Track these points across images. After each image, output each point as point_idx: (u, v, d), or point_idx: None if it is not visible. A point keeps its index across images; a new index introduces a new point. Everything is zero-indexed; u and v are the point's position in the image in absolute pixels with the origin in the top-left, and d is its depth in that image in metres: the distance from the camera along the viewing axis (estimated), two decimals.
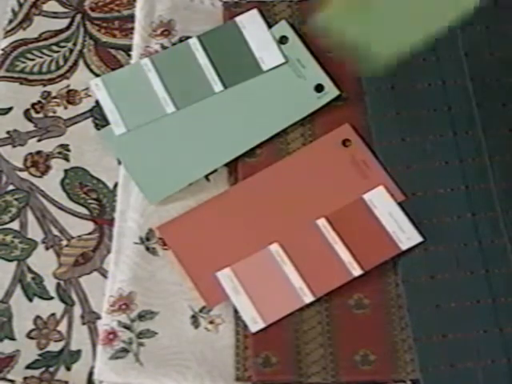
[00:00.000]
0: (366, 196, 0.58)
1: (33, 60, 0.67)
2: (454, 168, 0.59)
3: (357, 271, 0.56)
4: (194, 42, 0.64)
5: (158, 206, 0.61)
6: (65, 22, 0.68)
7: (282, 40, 0.63)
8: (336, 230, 0.57)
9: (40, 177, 0.63)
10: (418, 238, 0.57)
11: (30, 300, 0.59)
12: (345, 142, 0.60)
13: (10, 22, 0.68)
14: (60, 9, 0.69)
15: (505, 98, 0.60)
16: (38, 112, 0.65)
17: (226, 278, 0.57)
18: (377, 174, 0.59)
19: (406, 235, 0.57)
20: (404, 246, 0.57)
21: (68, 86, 0.66)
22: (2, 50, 0.67)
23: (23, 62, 0.67)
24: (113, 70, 0.66)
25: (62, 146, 0.64)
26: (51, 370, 0.57)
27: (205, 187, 0.61)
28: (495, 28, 0.62)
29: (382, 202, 0.58)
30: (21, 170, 0.63)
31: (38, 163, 0.63)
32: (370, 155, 0.59)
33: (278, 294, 0.56)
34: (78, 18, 0.68)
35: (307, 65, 0.62)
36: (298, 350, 0.56)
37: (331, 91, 0.61)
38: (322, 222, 0.57)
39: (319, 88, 0.61)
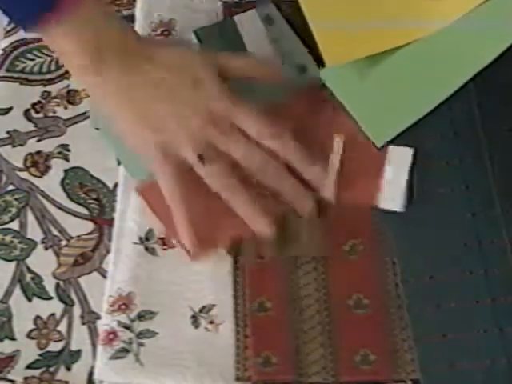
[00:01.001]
0: (390, 147, 0.58)
1: (33, 60, 0.67)
2: (455, 168, 0.59)
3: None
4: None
5: None
6: None
7: None
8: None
9: (40, 177, 0.63)
10: (398, 207, 0.57)
11: (30, 300, 0.59)
12: None
13: (10, 21, 0.68)
14: None
15: (505, 98, 0.60)
16: (38, 112, 0.65)
17: None
18: None
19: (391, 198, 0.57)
20: (380, 204, 0.57)
21: (68, 85, 0.66)
22: (2, 50, 0.67)
23: (23, 62, 0.67)
24: None
25: (62, 146, 0.64)
26: (51, 369, 0.57)
27: None
28: None
29: (399, 162, 0.58)
30: (21, 170, 0.63)
31: (38, 163, 0.63)
32: None
33: None
34: None
35: None
36: (297, 350, 0.56)
37: None
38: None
39: None
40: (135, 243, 0.60)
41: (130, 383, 0.56)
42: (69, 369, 0.57)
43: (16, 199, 0.62)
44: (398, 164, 0.58)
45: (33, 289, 0.60)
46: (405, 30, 0.58)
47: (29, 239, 0.61)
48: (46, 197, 0.62)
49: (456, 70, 0.57)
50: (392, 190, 0.57)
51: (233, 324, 0.57)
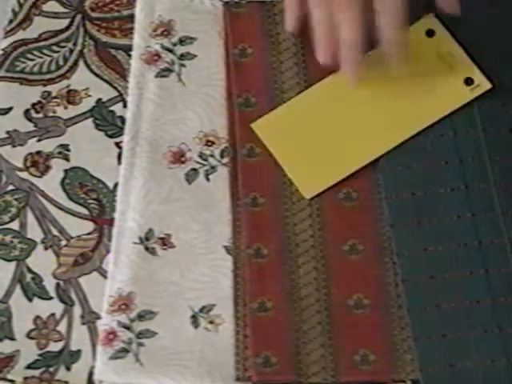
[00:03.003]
0: None
1: (33, 60, 0.67)
2: (454, 168, 0.59)
3: None
4: None
5: (158, 206, 0.61)
6: (65, 22, 0.69)
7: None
8: None
9: (40, 177, 0.63)
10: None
11: (30, 300, 0.59)
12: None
13: (10, 22, 0.68)
14: (60, 9, 0.69)
15: (504, 98, 0.60)
16: (38, 112, 0.65)
17: None
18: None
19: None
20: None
21: (68, 85, 0.66)
22: (2, 50, 0.67)
23: (23, 62, 0.67)
24: (113, 70, 0.66)
25: (62, 146, 0.64)
26: (51, 370, 0.57)
27: (205, 187, 0.61)
28: None
29: None
30: (21, 169, 0.63)
31: (38, 163, 0.63)
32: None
33: None
34: (78, 18, 0.69)
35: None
36: (297, 350, 0.56)
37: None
38: None
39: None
40: (135, 243, 0.60)
41: (130, 383, 0.56)
42: (69, 369, 0.57)
43: (16, 199, 0.62)
44: None
45: (33, 289, 0.59)
46: (366, 151, 0.60)
47: (29, 239, 0.61)
48: (46, 197, 0.62)
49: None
50: None
51: (233, 324, 0.57)
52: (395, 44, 0.58)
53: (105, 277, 0.59)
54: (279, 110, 0.63)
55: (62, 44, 0.68)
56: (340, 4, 0.57)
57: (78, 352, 0.58)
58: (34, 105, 0.65)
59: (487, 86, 0.60)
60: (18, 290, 0.60)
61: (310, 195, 0.60)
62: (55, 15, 0.69)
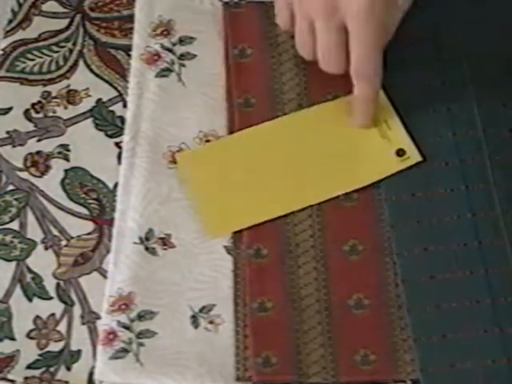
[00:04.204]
0: None
1: (33, 60, 0.67)
2: (455, 168, 0.59)
3: None
4: None
5: (158, 205, 0.61)
6: (64, 22, 0.69)
7: None
8: None
9: (40, 177, 0.63)
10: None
11: (30, 300, 0.59)
12: None
13: (10, 22, 0.68)
14: (60, 9, 0.69)
15: (505, 98, 0.60)
16: (38, 112, 0.65)
17: None
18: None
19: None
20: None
21: (68, 85, 0.66)
22: (2, 50, 0.67)
23: (23, 62, 0.67)
24: (113, 70, 0.66)
25: (62, 146, 0.64)
26: (51, 370, 0.57)
27: None
28: None
29: None
30: (21, 170, 0.63)
31: (38, 163, 0.63)
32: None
33: None
34: (78, 18, 0.69)
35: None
36: (298, 350, 0.56)
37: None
38: None
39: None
40: (135, 243, 0.60)
41: (130, 383, 0.56)
42: (69, 369, 0.57)
43: (16, 199, 0.62)
44: None
45: (33, 289, 0.59)
46: (280, 204, 0.60)
47: (29, 239, 0.61)
48: (46, 197, 0.62)
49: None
50: None
51: (233, 324, 0.57)
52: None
53: (105, 277, 0.59)
54: (206, 146, 0.62)
55: (62, 44, 0.68)
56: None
57: (78, 352, 0.58)
58: (33, 105, 0.65)
59: (418, 158, 0.60)
60: (18, 290, 0.60)
61: (213, 236, 0.60)
62: (55, 15, 0.69)
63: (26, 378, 0.57)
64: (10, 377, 0.57)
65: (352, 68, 0.58)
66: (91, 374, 0.57)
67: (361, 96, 0.59)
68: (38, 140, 0.64)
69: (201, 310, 0.58)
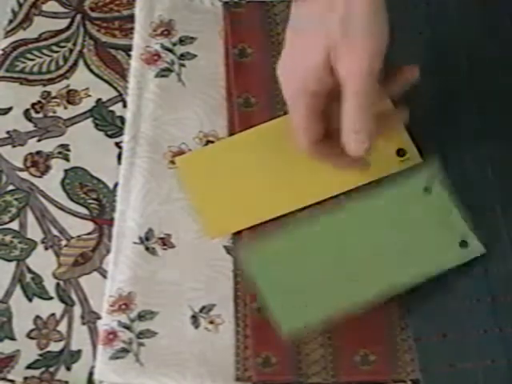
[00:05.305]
0: None
1: (33, 60, 0.67)
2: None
3: None
4: None
5: (157, 206, 0.61)
6: (65, 22, 0.69)
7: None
8: None
9: (40, 177, 0.63)
10: None
11: (30, 300, 0.59)
12: None
13: (10, 22, 0.68)
14: (60, 9, 0.69)
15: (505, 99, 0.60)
16: (38, 112, 0.65)
17: None
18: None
19: None
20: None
21: (68, 85, 0.66)
22: (2, 50, 0.67)
23: (23, 62, 0.67)
24: (113, 70, 0.66)
25: (62, 146, 0.64)
26: (51, 370, 0.57)
27: None
28: None
29: None
30: (21, 169, 0.63)
31: (38, 163, 0.63)
32: None
33: None
34: (78, 18, 0.69)
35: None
36: (298, 350, 0.56)
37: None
38: None
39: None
40: (135, 243, 0.60)
41: (130, 383, 0.56)
42: (69, 369, 0.57)
43: (16, 199, 0.62)
44: None
45: (33, 289, 0.59)
46: (280, 204, 0.60)
47: (29, 239, 0.61)
48: (46, 197, 0.62)
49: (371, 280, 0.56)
50: None
51: (233, 324, 0.57)
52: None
53: (105, 277, 0.59)
54: (206, 148, 0.62)
55: (62, 44, 0.68)
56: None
57: (78, 352, 0.58)
58: (33, 105, 0.65)
59: (418, 159, 0.59)
60: (18, 290, 0.60)
61: (213, 237, 0.60)
62: (55, 15, 0.69)
63: (26, 378, 0.57)
64: (9, 377, 0.57)
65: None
66: (91, 374, 0.57)
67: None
68: (38, 140, 0.64)
69: (201, 310, 0.58)
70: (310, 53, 0.50)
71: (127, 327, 0.57)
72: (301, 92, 0.52)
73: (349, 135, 0.51)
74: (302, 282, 0.56)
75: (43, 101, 0.66)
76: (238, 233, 0.60)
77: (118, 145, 0.64)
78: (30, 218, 0.62)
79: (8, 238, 0.61)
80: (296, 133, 0.54)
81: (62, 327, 0.58)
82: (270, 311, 0.54)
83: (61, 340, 0.58)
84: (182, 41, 0.67)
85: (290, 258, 0.56)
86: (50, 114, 0.65)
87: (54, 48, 0.67)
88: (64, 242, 0.61)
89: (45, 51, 0.67)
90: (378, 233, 0.57)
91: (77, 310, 0.59)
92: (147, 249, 0.60)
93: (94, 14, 0.69)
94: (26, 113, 0.65)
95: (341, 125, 0.51)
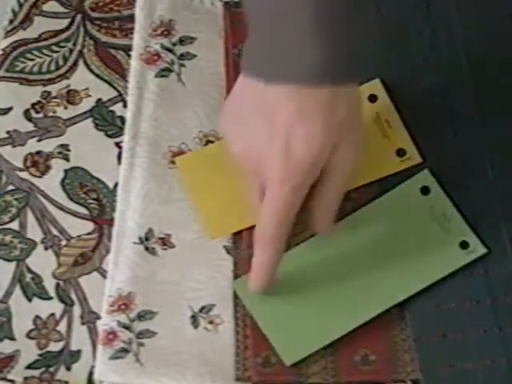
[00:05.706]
0: None
1: (33, 60, 0.67)
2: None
3: None
4: None
5: (158, 206, 0.61)
6: (65, 22, 0.68)
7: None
8: None
9: (40, 177, 0.63)
10: None
11: (30, 300, 0.59)
12: None
13: (10, 22, 0.68)
14: (60, 9, 0.69)
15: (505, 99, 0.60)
16: (38, 112, 0.65)
17: None
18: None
19: None
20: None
21: (68, 85, 0.66)
22: (2, 50, 0.67)
23: (23, 62, 0.67)
24: (113, 70, 0.66)
25: (62, 146, 0.64)
26: (51, 370, 0.57)
27: None
28: None
29: None
30: (21, 169, 0.63)
31: (38, 163, 0.63)
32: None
33: None
34: (78, 18, 0.69)
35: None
36: None
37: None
38: None
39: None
40: (135, 243, 0.60)
41: (130, 383, 0.56)
42: (69, 369, 0.57)
43: (16, 199, 0.62)
44: None
45: (33, 289, 0.59)
46: None
47: (29, 239, 0.61)
48: (46, 197, 0.62)
49: (368, 302, 0.56)
50: None
51: (233, 324, 0.57)
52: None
53: (105, 277, 0.59)
54: (205, 148, 0.62)
55: (62, 44, 0.68)
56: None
57: (78, 352, 0.58)
58: (33, 105, 0.65)
59: (418, 159, 0.59)
60: (17, 290, 0.60)
61: (214, 237, 0.60)
62: (55, 15, 0.69)
63: (26, 378, 0.57)
64: (9, 377, 0.57)
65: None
66: (91, 374, 0.57)
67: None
68: (38, 140, 0.64)
69: (201, 310, 0.58)
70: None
71: (127, 327, 0.57)
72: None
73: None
74: (299, 310, 0.56)
75: (43, 101, 0.66)
76: (238, 233, 0.60)
77: (118, 145, 0.64)
78: (30, 218, 0.62)
79: (8, 238, 0.61)
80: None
81: (62, 327, 0.58)
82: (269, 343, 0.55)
83: (60, 340, 0.58)
84: (182, 41, 0.66)
85: (283, 285, 0.56)
86: (50, 114, 0.65)
87: (54, 48, 0.67)
88: (64, 242, 0.61)
89: (45, 51, 0.67)
90: (376, 242, 0.57)
91: (76, 310, 0.59)
92: (147, 249, 0.60)
93: (94, 14, 0.69)
94: (26, 113, 0.65)
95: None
